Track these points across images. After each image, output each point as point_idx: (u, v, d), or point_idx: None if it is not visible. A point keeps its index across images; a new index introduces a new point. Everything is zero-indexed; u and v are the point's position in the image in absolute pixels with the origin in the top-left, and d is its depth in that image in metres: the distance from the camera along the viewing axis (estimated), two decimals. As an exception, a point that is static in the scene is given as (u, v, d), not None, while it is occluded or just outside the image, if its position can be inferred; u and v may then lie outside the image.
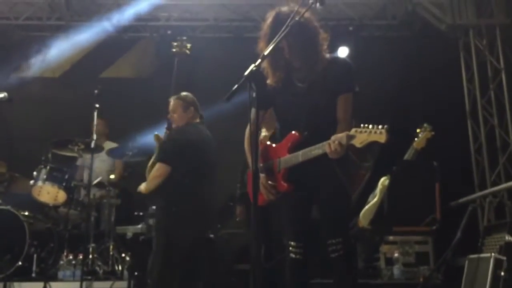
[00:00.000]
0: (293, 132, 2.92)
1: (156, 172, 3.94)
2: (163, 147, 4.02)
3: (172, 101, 4.15)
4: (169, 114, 4.14)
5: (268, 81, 2.95)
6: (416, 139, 4.92)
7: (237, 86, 2.55)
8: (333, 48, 3.34)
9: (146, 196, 4.13)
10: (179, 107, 4.12)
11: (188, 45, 4.46)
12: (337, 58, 3.06)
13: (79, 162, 5.86)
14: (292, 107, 2.96)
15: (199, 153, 3.97)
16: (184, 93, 4.20)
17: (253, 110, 2.67)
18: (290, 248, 2.96)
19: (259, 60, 2.60)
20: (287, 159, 2.91)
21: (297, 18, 2.72)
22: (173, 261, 3.82)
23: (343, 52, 6.43)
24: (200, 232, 4.11)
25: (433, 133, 4.91)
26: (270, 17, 2.92)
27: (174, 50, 4.50)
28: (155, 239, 4.00)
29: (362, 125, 2.60)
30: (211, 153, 4.10)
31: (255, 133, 2.63)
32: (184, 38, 4.51)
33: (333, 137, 2.66)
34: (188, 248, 3.93)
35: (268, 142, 3.12)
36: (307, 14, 2.82)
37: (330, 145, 2.65)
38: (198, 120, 4.15)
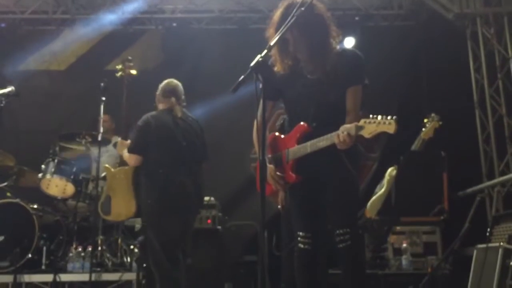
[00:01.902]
0: (302, 123, 2.92)
1: (127, 160, 4.03)
2: (134, 136, 4.05)
3: None
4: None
5: (276, 68, 2.95)
6: (423, 129, 4.89)
7: (243, 77, 2.54)
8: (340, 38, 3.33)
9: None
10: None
11: (131, 64, 4.38)
12: (347, 50, 3.04)
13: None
14: (301, 99, 2.96)
15: (165, 139, 3.97)
16: (166, 80, 4.23)
17: (260, 101, 2.66)
18: (299, 238, 2.96)
19: (265, 51, 2.59)
20: (296, 150, 2.91)
21: (303, 8, 2.70)
22: (168, 249, 3.85)
23: (349, 42, 6.39)
24: (184, 218, 4.03)
25: (440, 123, 4.87)
26: (282, 6, 2.90)
27: (118, 74, 4.40)
28: (147, 231, 4.00)
29: (371, 115, 2.59)
30: (186, 139, 4.06)
31: (262, 124, 2.62)
32: (130, 58, 4.41)
33: (341, 128, 2.66)
34: (179, 235, 3.93)
35: (277, 133, 3.12)
36: (320, 9, 2.82)
37: (338, 136, 2.65)
38: (165, 107, 4.15)
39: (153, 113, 4.12)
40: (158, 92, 4.22)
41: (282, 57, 2.91)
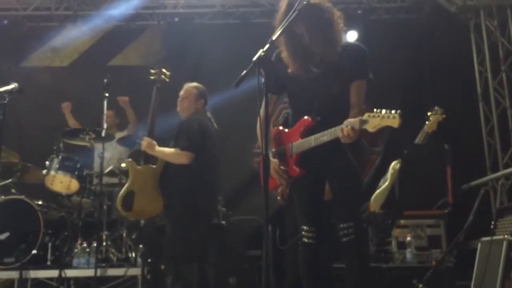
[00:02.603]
0: (306, 117, 2.92)
1: (176, 157, 3.94)
2: (185, 135, 3.98)
3: (186, 86, 4.21)
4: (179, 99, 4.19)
5: (289, 70, 2.94)
6: (427, 122, 4.88)
7: (245, 72, 2.54)
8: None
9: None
10: (192, 95, 4.17)
11: (167, 73, 4.29)
12: (351, 44, 3.04)
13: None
14: (305, 93, 2.95)
15: (211, 144, 4.04)
16: (198, 84, 4.24)
17: (262, 95, 2.65)
18: (303, 232, 2.96)
19: (267, 45, 2.59)
20: (300, 144, 2.91)
21: (305, 2, 2.70)
22: (194, 248, 3.88)
23: (352, 36, 6.37)
24: (212, 219, 4.22)
25: (444, 116, 4.86)
26: (284, 5, 2.88)
27: (152, 78, 4.31)
28: (171, 227, 3.99)
29: (375, 109, 2.59)
30: (216, 145, 4.18)
31: (265, 118, 2.62)
32: (163, 66, 4.33)
33: (345, 122, 2.66)
34: (205, 235, 4.02)
35: (281, 127, 3.12)
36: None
37: (342, 130, 2.64)
38: (207, 114, 4.21)
39: (201, 116, 4.12)
40: (199, 97, 4.17)
41: (294, 58, 2.89)
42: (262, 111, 2.67)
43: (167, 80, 4.30)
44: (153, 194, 4.03)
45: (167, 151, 4.01)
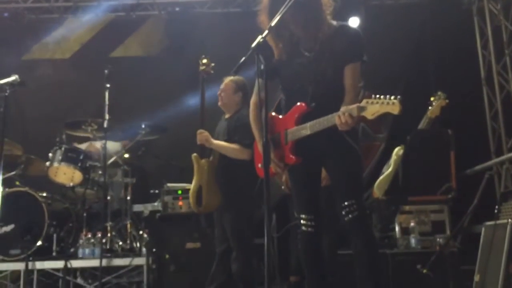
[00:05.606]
0: (300, 103, 2.86)
1: (239, 154, 3.97)
2: (247, 133, 3.87)
3: (225, 80, 4.21)
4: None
5: (276, 58, 2.90)
6: (430, 107, 4.86)
7: (245, 59, 2.52)
8: (344, 18, 3.26)
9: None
10: (229, 88, 4.18)
11: (212, 64, 4.30)
12: (345, 26, 2.96)
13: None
14: (298, 77, 2.89)
15: None
16: (238, 77, 4.19)
17: (260, 81, 2.61)
18: (302, 221, 2.92)
19: (266, 32, 2.56)
20: (295, 131, 2.85)
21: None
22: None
23: (354, 22, 6.31)
24: None
25: (447, 101, 4.84)
26: None
27: (201, 68, 4.27)
28: (235, 216, 4.03)
29: (373, 96, 2.54)
30: None
31: (264, 104, 2.59)
32: (207, 56, 4.32)
33: (343, 109, 2.59)
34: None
35: (274, 113, 3.07)
36: None
37: (340, 117, 2.58)
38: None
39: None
40: (236, 90, 4.19)
41: (276, 41, 2.85)
42: (253, 98, 2.64)
43: (212, 71, 4.28)
44: (215, 187, 4.06)
45: (229, 147, 4.03)
